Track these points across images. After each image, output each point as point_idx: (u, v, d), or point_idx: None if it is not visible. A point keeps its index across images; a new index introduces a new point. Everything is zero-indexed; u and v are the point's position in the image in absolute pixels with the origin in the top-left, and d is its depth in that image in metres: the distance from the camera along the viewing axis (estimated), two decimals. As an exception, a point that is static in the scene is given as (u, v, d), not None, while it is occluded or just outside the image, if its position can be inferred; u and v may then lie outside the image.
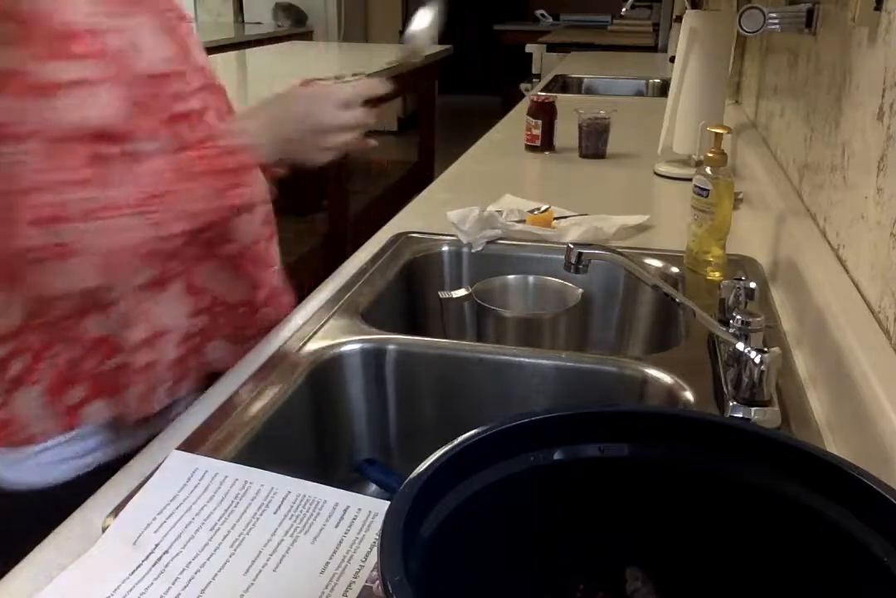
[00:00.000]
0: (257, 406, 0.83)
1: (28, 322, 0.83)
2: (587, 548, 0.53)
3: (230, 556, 0.61)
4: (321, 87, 0.94)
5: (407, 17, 6.89)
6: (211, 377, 0.93)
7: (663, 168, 1.77)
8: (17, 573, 0.60)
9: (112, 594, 0.57)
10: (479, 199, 1.44)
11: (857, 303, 0.86)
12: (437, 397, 0.99)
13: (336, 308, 1.05)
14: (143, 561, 0.60)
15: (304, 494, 0.67)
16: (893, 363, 0.73)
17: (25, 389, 0.84)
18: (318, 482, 0.68)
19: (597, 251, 0.87)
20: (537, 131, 1.97)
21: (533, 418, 0.49)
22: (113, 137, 0.78)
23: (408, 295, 1.27)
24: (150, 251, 0.80)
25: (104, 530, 0.63)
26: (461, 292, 1.17)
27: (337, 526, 0.64)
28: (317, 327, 1.00)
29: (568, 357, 0.96)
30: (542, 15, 7.20)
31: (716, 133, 1.19)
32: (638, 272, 0.86)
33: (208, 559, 0.60)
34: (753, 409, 0.79)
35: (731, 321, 0.83)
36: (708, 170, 1.17)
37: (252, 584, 0.58)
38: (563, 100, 2.08)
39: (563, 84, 3.29)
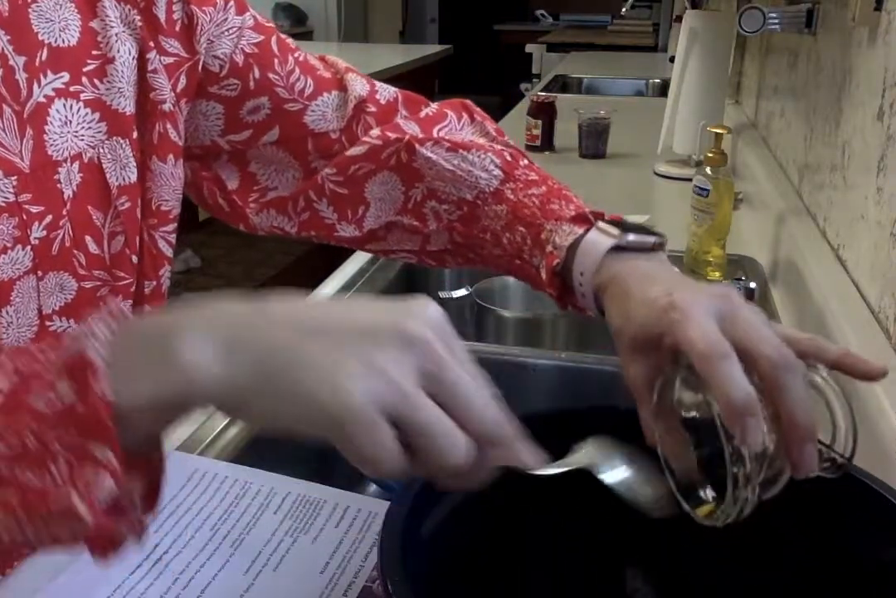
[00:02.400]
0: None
1: None
2: (587, 548, 0.53)
3: (230, 556, 0.61)
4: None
5: (407, 17, 6.89)
6: None
7: (663, 168, 1.77)
8: (18, 573, 0.60)
9: (112, 594, 0.57)
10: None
11: (857, 303, 0.86)
12: (437, 397, 0.99)
13: (336, 308, 1.05)
14: (143, 561, 0.60)
15: (304, 494, 0.67)
16: (893, 363, 0.73)
17: None
18: (318, 482, 0.68)
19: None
20: (537, 131, 1.97)
21: (532, 418, 0.49)
22: None
23: (408, 295, 1.26)
24: None
25: (104, 530, 0.63)
26: (461, 292, 1.17)
27: (337, 526, 0.64)
28: (317, 327, 0.99)
29: (568, 357, 0.96)
30: (542, 15, 7.21)
31: (716, 133, 1.19)
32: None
33: (208, 559, 0.60)
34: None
35: (731, 321, 0.83)
36: (708, 170, 1.17)
37: (252, 584, 0.58)
38: (563, 100, 2.08)
39: (563, 84, 3.29)
